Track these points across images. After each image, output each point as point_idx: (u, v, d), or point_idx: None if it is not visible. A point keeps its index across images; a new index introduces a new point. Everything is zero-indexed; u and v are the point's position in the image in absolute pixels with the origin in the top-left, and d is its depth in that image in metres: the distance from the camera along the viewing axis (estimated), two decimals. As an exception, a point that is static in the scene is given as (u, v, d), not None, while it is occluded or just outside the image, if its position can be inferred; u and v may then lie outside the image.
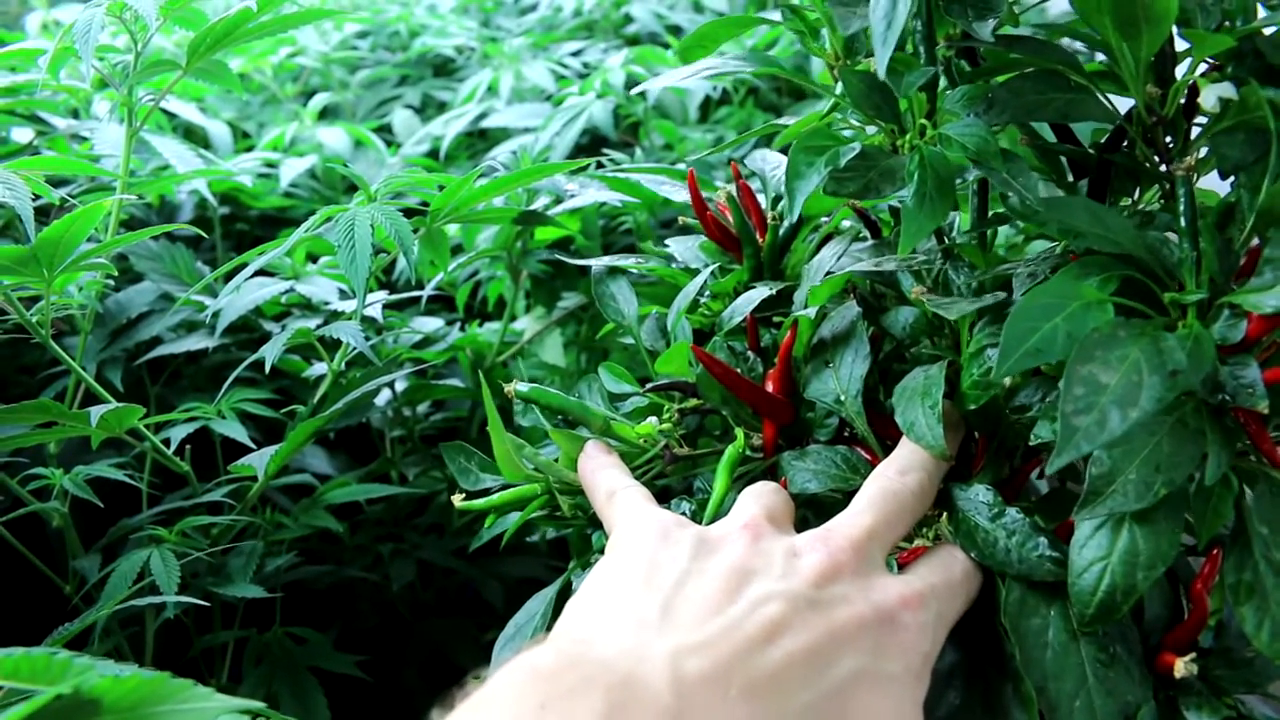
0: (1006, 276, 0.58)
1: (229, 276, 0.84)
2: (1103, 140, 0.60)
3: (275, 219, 1.34)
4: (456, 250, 1.04)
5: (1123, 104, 0.57)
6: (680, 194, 0.85)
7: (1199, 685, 0.50)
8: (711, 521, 0.56)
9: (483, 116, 1.50)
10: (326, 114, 1.73)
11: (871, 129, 0.60)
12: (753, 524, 0.50)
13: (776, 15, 0.62)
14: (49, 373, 0.92)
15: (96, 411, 0.66)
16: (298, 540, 0.85)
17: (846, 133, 0.62)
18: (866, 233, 0.69)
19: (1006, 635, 0.50)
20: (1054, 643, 0.49)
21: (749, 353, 0.67)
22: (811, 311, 0.61)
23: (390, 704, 0.98)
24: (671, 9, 1.86)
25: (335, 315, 0.84)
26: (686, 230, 0.81)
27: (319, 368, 0.85)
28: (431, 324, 0.97)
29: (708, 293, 0.73)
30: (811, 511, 0.60)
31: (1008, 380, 0.56)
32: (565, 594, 0.63)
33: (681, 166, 0.87)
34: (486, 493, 0.63)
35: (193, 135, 1.49)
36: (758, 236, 0.73)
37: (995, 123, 0.54)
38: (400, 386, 0.96)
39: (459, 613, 1.04)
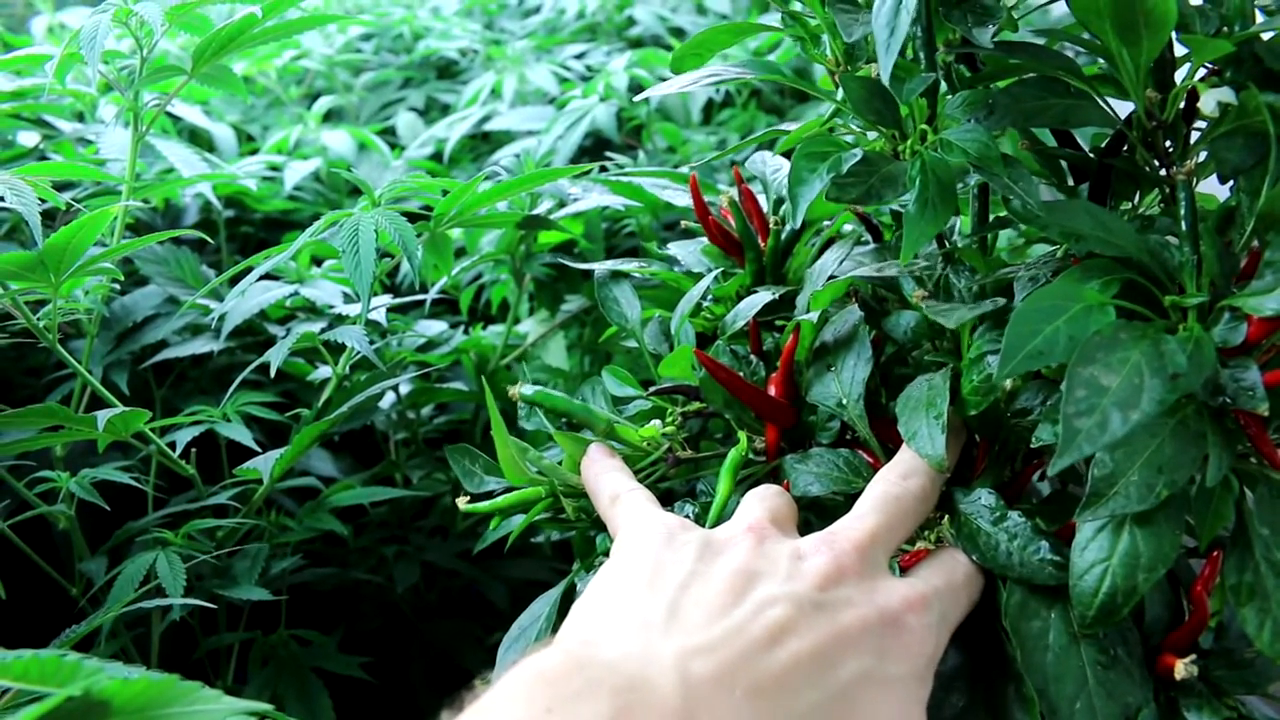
0: (1008, 280, 0.58)
1: (234, 281, 0.85)
2: (1103, 145, 0.60)
3: (280, 221, 1.34)
4: (460, 253, 1.05)
5: (1123, 108, 0.57)
6: (682, 198, 0.86)
7: (1200, 686, 0.50)
8: (715, 524, 0.56)
9: (486, 119, 1.50)
10: (331, 117, 1.73)
11: (873, 134, 0.60)
12: (757, 527, 0.51)
13: (775, 20, 0.62)
14: (54, 375, 0.93)
15: (103, 416, 0.66)
16: (302, 543, 0.86)
17: (848, 138, 0.62)
18: (868, 237, 0.70)
19: (1008, 638, 0.50)
20: (1054, 645, 0.49)
21: (752, 356, 0.67)
22: (814, 316, 0.62)
23: (395, 705, 0.99)
24: (674, 11, 1.86)
25: (339, 319, 0.84)
26: (689, 234, 0.81)
27: (323, 371, 0.86)
28: (435, 327, 0.97)
29: (710, 297, 0.73)
30: (814, 514, 0.60)
31: (1009, 384, 0.56)
32: (570, 596, 0.63)
33: (684, 170, 0.87)
34: (490, 495, 0.63)
35: (197, 138, 1.49)
36: (760, 241, 0.73)
37: (995, 128, 0.54)
38: (404, 389, 0.96)
39: (463, 614, 1.05)
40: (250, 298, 0.81)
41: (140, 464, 0.83)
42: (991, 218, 0.63)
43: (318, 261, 0.99)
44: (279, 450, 0.73)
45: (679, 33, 1.80)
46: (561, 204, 0.85)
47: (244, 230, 1.34)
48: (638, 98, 0.65)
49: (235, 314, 0.81)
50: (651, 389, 0.67)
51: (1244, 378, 0.48)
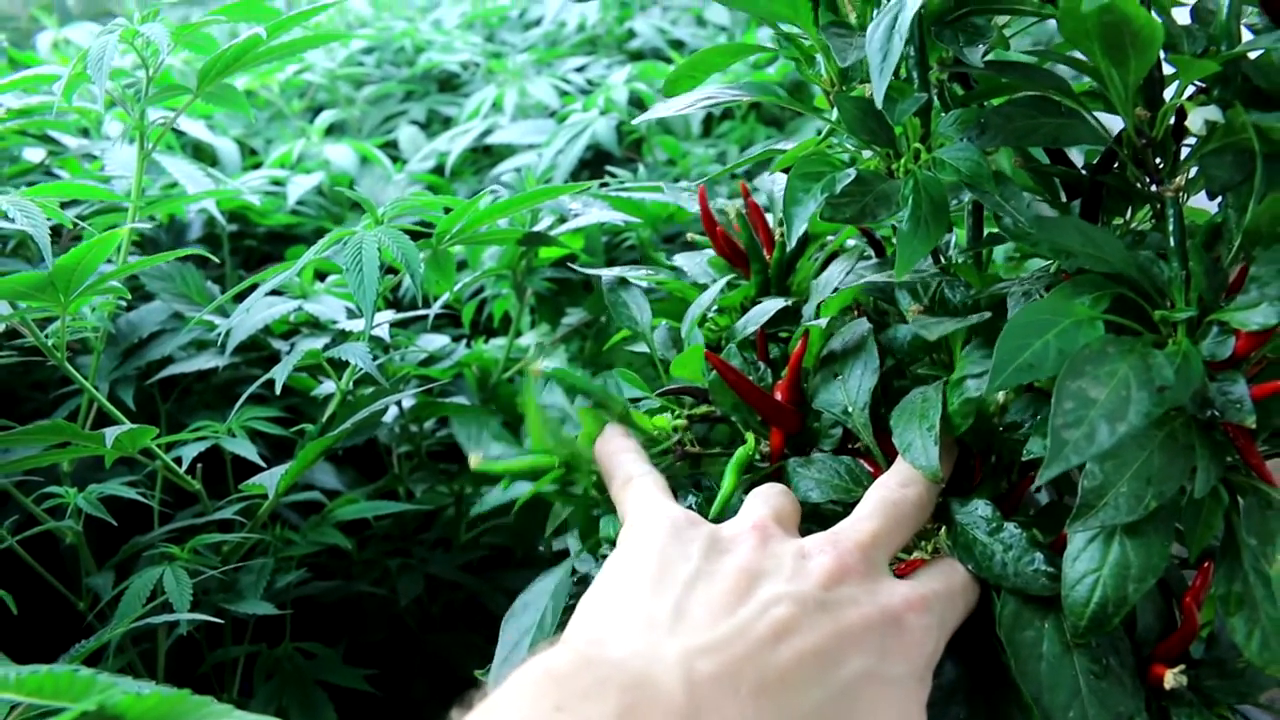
0: (1001, 295, 0.59)
1: (239, 297, 0.86)
2: (1095, 162, 0.61)
3: (283, 235, 1.36)
4: (462, 267, 1.06)
5: (1114, 125, 0.58)
6: (691, 204, 0.87)
7: (1190, 696, 0.51)
8: (718, 518, 0.57)
9: (487, 133, 1.51)
10: (333, 130, 1.75)
11: (868, 153, 0.61)
12: (761, 525, 0.51)
13: (770, 41, 0.63)
14: (61, 391, 0.94)
15: (111, 433, 0.67)
16: (307, 556, 0.86)
17: (844, 156, 0.63)
18: (871, 251, 0.71)
19: (1003, 648, 0.51)
20: (1048, 655, 0.50)
21: (759, 363, 0.68)
22: (823, 322, 0.63)
23: (398, 716, 0.99)
24: (674, 24, 1.88)
25: (343, 334, 0.85)
26: (691, 246, 0.83)
27: (328, 386, 0.86)
28: (438, 341, 0.98)
29: (715, 308, 0.74)
30: (814, 524, 0.61)
31: (1002, 397, 0.57)
32: (573, 578, 0.63)
33: (683, 185, 0.88)
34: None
35: (201, 152, 1.51)
36: (765, 253, 0.74)
37: (987, 146, 0.55)
38: (408, 404, 0.97)
39: (466, 626, 1.05)
40: (254, 314, 0.82)
41: (146, 479, 0.83)
42: (985, 233, 0.64)
43: (321, 276, 1.00)
44: (284, 466, 0.74)
45: (679, 45, 1.82)
46: (562, 219, 0.86)
47: (247, 244, 1.35)
48: (635, 121, 0.66)
49: (240, 330, 0.82)
50: (660, 390, 0.68)
51: (1231, 391, 0.49)
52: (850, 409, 0.61)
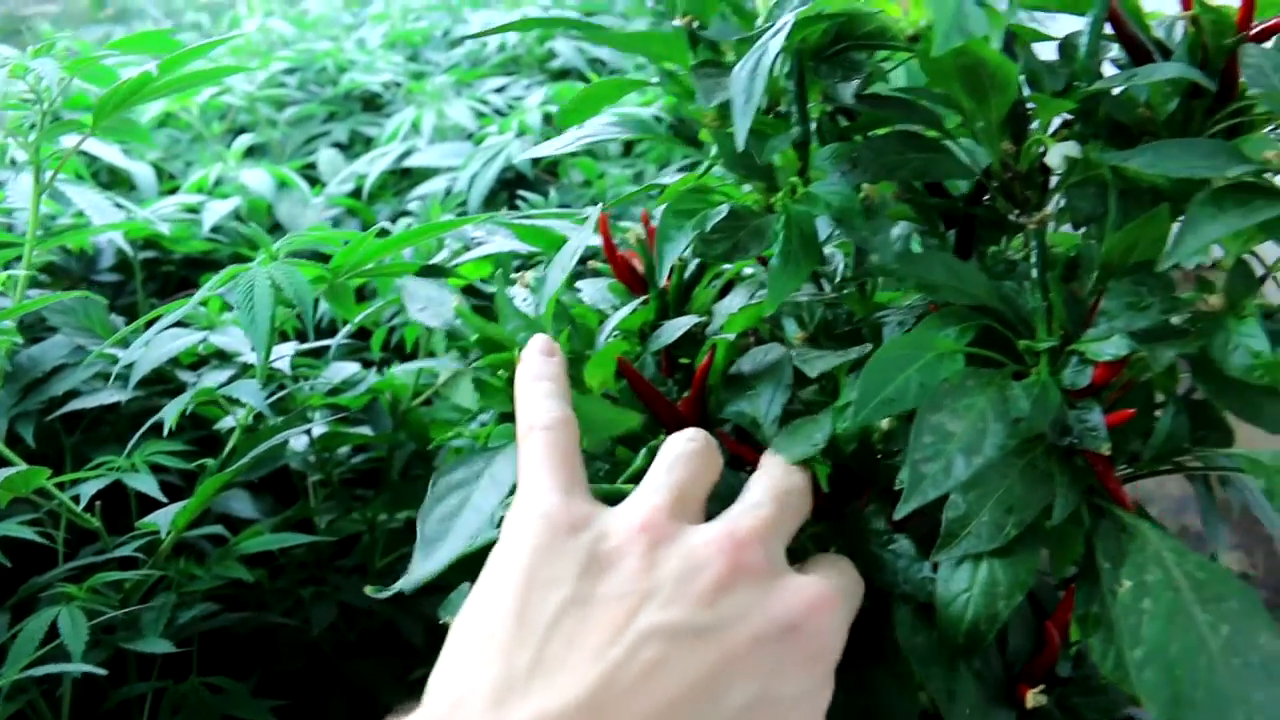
0: (880, 324, 0.61)
1: (146, 328, 0.85)
2: (967, 193, 0.63)
3: (200, 261, 1.35)
4: (374, 294, 1.06)
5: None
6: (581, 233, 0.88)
7: (1057, 714, 0.52)
8: (615, 496, 0.52)
9: (406, 155, 1.51)
10: (254, 152, 1.73)
11: (749, 186, 0.62)
12: (651, 524, 0.46)
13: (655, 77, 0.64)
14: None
15: (3, 474, 0.67)
16: (218, 588, 0.86)
17: (727, 189, 0.64)
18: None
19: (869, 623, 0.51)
20: (943, 658, 0.51)
21: (665, 378, 0.69)
22: (730, 336, 0.63)
23: (316, 746, 0.99)
24: (595, 43, 1.89)
25: (247, 367, 0.85)
26: (597, 273, 0.84)
27: (230, 420, 0.86)
28: (348, 369, 0.98)
29: (616, 332, 0.76)
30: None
31: (886, 423, 0.59)
32: None
33: (588, 211, 0.89)
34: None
35: (117, 177, 1.49)
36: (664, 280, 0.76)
37: (858, 181, 0.57)
38: (320, 431, 0.97)
39: (383, 652, 1.05)
40: (157, 347, 0.81)
41: (49, 517, 0.83)
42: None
43: (229, 305, 1.00)
44: (181, 503, 0.73)
45: (600, 64, 1.83)
46: (467, 248, 0.87)
47: (165, 269, 1.34)
48: (519, 157, 0.67)
49: (143, 363, 0.81)
50: None
51: (1089, 419, 0.51)
52: (761, 420, 0.61)
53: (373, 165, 1.49)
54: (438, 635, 0.69)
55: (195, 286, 1.31)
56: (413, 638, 0.98)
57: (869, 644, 0.54)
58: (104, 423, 1.02)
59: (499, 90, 1.72)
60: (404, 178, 1.58)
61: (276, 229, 1.48)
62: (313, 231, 0.73)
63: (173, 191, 1.51)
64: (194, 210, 1.32)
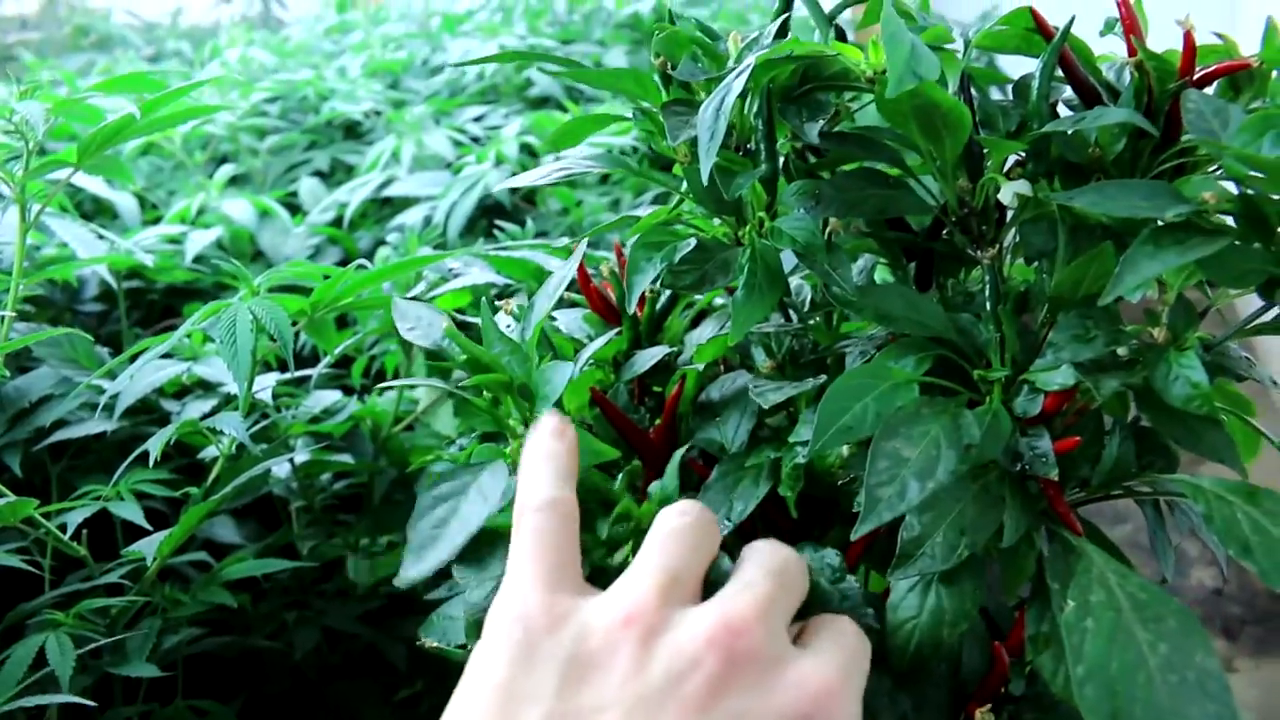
0: (842, 353, 0.63)
1: (130, 360, 0.87)
2: (926, 228, 0.65)
3: (183, 290, 1.37)
4: (355, 321, 1.08)
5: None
6: (552, 265, 0.90)
7: (1010, 730, 0.55)
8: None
9: (386, 184, 1.54)
10: (236, 181, 1.76)
11: (719, 220, 0.65)
12: (639, 613, 0.42)
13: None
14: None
15: (-10, 503, 0.69)
16: (203, 613, 0.88)
17: (697, 222, 0.67)
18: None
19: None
20: (881, 689, 0.53)
21: (638, 406, 0.71)
22: (700, 366, 0.66)
23: (299, 768, 1.01)
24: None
25: (231, 397, 0.87)
26: (573, 304, 0.86)
27: (213, 450, 0.88)
28: (330, 397, 1.00)
29: (590, 362, 0.78)
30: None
31: (846, 450, 0.61)
32: None
33: (562, 242, 0.91)
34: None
35: (101, 207, 1.51)
36: (636, 310, 0.78)
37: (822, 216, 0.59)
38: (301, 459, 0.99)
39: (367, 674, 1.07)
40: (142, 378, 0.83)
41: (35, 545, 0.84)
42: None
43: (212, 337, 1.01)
44: (166, 530, 0.75)
45: (577, 92, 1.86)
46: (444, 279, 0.89)
47: (149, 298, 1.36)
48: (497, 188, 0.69)
49: (127, 395, 0.83)
50: None
51: (1038, 445, 0.53)
52: (728, 446, 0.64)
53: (353, 194, 1.51)
54: (420, 658, 0.71)
55: (178, 315, 1.34)
56: (396, 660, 1.00)
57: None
58: (90, 451, 1.03)
59: (477, 119, 1.74)
60: (385, 205, 1.61)
61: (259, 257, 1.51)
62: (293, 266, 0.75)
63: (156, 221, 1.53)
64: (176, 241, 1.34)
